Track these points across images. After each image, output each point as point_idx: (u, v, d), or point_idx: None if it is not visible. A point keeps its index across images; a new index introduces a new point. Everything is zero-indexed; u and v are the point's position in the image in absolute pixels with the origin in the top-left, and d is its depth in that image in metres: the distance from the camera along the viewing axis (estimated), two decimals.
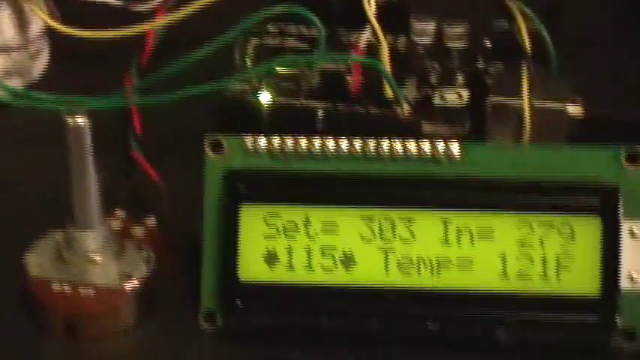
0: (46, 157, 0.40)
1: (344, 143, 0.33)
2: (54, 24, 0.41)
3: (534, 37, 0.41)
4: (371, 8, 0.40)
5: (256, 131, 0.36)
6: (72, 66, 0.44)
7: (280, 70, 0.40)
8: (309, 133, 0.35)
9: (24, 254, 0.35)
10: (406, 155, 0.33)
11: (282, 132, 0.34)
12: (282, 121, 0.39)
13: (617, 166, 0.33)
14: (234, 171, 0.33)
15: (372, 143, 0.33)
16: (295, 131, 0.36)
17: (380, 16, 0.40)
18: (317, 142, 0.33)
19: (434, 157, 0.33)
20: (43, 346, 0.34)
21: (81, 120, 0.32)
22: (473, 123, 0.39)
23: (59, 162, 0.35)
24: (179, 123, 0.41)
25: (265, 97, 0.40)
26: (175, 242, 0.36)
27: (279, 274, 0.33)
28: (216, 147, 0.34)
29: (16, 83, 0.42)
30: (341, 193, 0.33)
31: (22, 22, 0.42)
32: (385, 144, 0.33)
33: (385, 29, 0.40)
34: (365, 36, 0.40)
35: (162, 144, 0.40)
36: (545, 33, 0.40)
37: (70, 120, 0.32)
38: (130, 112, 0.40)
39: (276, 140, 0.33)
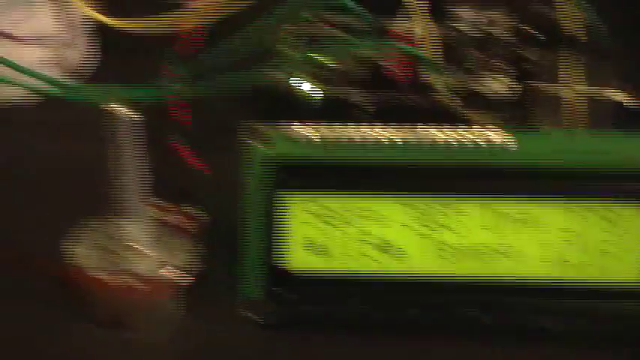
0: (83, 147, 0.40)
1: (388, 131, 0.33)
2: (95, 14, 0.42)
3: (582, 22, 0.41)
4: None
5: (296, 119, 0.35)
6: (111, 56, 0.44)
7: (319, 57, 0.40)
8: (350, 121, 0.35)
9: (66, 243, 0.35)
10: (451, 143, 0.33)
11: (321, 120, 0.34)
12: (322, 108, 0.40)
13: None
14: (277, 159, 0.33)
15: (416, 131, 0.33)
16: (335, 119, 0.35)
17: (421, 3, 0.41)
18: (361, 131, 0.33)
19: (480, 145, 0.33)
20: (84, 334, 0.35)
21: (125, 111, 0.33)
22: (516, 110, 0.40)
23: (96, 151, 0.36)
24: (217, 111, 0.40)
25: (307, 86, 0.40)
26: (215, 230, 0.37)
27: (323, 263, 0.33)
28: (257, 135, 0.33)
29: (54, 73, 0.42)
30: (386, 181, 0.33)
31: (62, 12, 0.42)
32: (430, 132, 0.33)
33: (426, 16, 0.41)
34: (407, 24, 0.41)
35: (200, 132, 0.40)
36: (594, 18, 0.40)
37: (114, 110, 0.32)
38: (169, 102, 0.41)
39: (319, 128, 0.33)
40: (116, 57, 0.45)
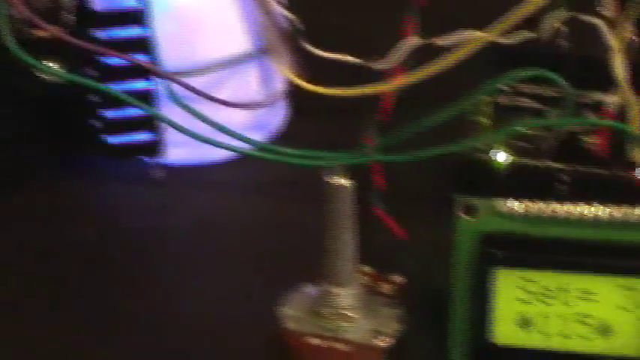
0: (287, 209, 0.42)
1: (601, 211, 0.33)
2: (299, 81, 0.42)
3: None
4: (622, 72, 0.40)
5: (495, 192, 0.35)
6: (311, 121, 0.45)
7: (518, 129, 0.41)
8: (549, 195, 0.35)
9: (278, 307, 0.35)
10: None
11: (520, 193, 0.34)
12: (521, 181, 0.40)
13: None
14: (489, 235, 0.33)
15: (624, 211, 0.32)
16: (534, 192, 0.35)
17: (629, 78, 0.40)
18: (570, 208, 0.33)
19: None
20: None
21: (343, 180, 0.32)
22: None
23: (297, 214, 0.36)
24: (416, 180, 0.41)
25: (503, 157, 0.40)
26: (422, 299, 0.36)
27: (534, 340, 0.33)
28: (469, 210, 0.33)
29: (256, 136, 0.43)
30: (598, 260, 0.32)
31: (267, 79, 0.44)
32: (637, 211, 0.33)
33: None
34: (614, 99, 0.40)
35: (401, 201, 0.40)
36: None
37: (331, 179, 0.32)
38: (370, 169, 0.40)
39: (529, 204, 0.33)
40: (315, 122, 0.45)
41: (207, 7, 0.42)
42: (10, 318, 0.37)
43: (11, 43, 0.38)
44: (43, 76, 0.40)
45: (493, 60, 0.43)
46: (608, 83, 0.41)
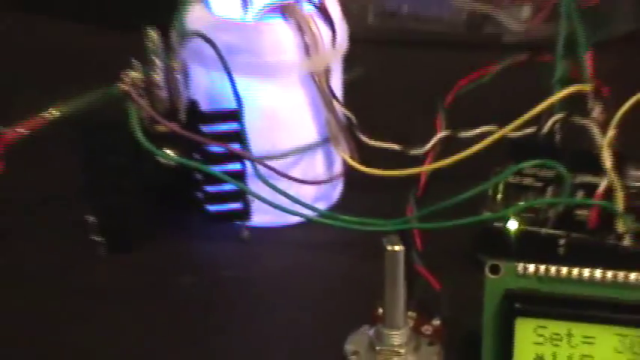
0: (345, 264, 0.41)
1: (596, 271, 0.32)
2: (354, 164, 0.43)
3: None
4: (606, 153, 0.40)
5: (507, 254, 0.35)
6: (364, 195, 0.44)
7: (526, 205, 0.40)
8: (551, 256, 0.36)
9: (344, 344, 0.35)
10: None
11: (528, 255, 0.34)
12: (534, 246, 0.39)
13: None
14: (511, 291, 0.33)
15: (619, 273, 0.32)
16: (538, 255, 0.35)
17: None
18: (572, 271, 0.32)
19: None
20: None
21: (397, 247, 0.32)
22: None
23: (353, 268, 0.37)
24: (449, 243, 0.40)
25: (514, 225, 0.39)
26: (456, 340, 0.35)
27: None
28: (494, 269, 0.33)
29: (321, 206, 0.44)
30: (599, 313, 0.32)
31: (330, 161, 0.44)
32: (631, 275, 0.32)
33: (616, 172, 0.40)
34: (604, 183, 0.39)
35: (437, 260, 0.39)
36: None
37: (389, 246, 0.32)
38: (410, 234, 0.40)
39: (539, 266, 0.33)
40: (367, 195, 0.44)
41: (285, 106, 0.42)
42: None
43: (140, 136, 0.39)
44: (162, 160, 0.39)
45: (508, 149, 0.42)
46: (598, 169, 0.40)
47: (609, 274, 0.33)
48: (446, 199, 0.40)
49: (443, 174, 0.43)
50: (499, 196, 0.41)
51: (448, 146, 0.43)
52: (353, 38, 0.43)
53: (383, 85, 0.47)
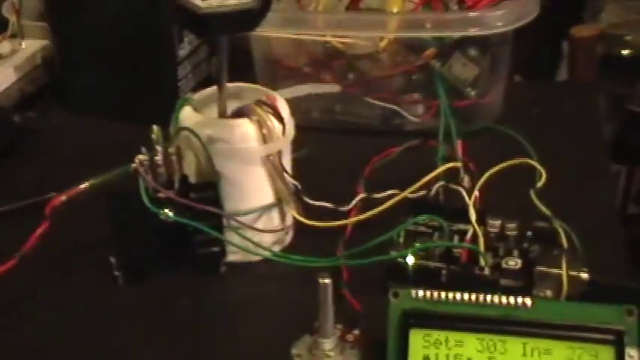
0: (290, 290, 0.40)
1: (464, 295, 0.33)
2: (300, 218, 0.42)
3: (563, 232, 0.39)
4: (472, 209, 0.40)
5: (407, 282, 0.36)
6: (309, 240, 0.43)
7: (419, 246, 0.39)
8: (443, 285, 0.36)
9: (291, 348, 0.35)
10: (500, 302, 0.33)
11: (428, 283, 0.34)
12: (424, 276, 0.38)
13: (622, 315, 0.32)
14: (407, 310, 0.33)
15: (480, 296, 0.33)
16: (428, 281, 0.36)
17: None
18: (449, 295, 0.33)
19: (517, 306, 0.32)
20: None
21: (327, 280, 0.33)
22: (526, 281, 0.37)
23: (295, 293, 0.36)
24: (366, 275, 0.39)
25: (411, 260, 0.39)
26: (370, 344, 0.35)
27: None
28: (395, 295, 0.33)
29: (276, 249, 0.43)
30: (466, 324, 0.33)
31: (283, 216, 0.43)
32: (488, 298, 0.33)
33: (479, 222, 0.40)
34: (471, 229, 0.40)
35: (359, 288, 0.38)
36: (573, 234, 0.38)
37: (320, 280, 0.33)
38: (340, 268, 0.39)
39: (426, 292, 0.33)
40: (307, 239, 0.43)
41: (250, 178, 0.41)
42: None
43: (146, 200, 0.39)
44: (162, 217, 0.39)
45: (408, 206, 0.42)
46: (468, 221, 0.40)
47: (473, 296, 0.33)
48: (365, 242, 0.39)
49: (363, 224, 0.42)
50: (401, 239, 0.40)
51: (366, 204, 0.43)
52: (301, 127, 0.43)
53: (321, 162, 0.47)
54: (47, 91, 0.56)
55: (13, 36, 0.55)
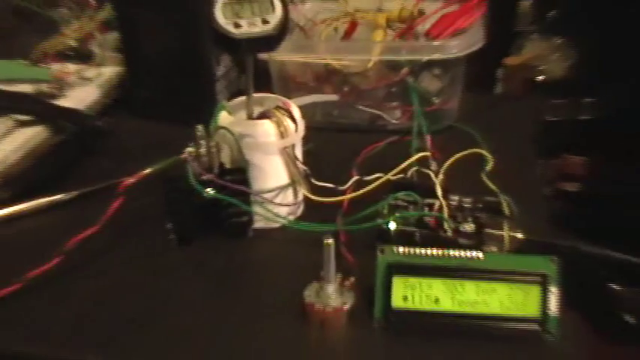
0: (305, 251, 0.37)
1: (433, 250, 0.33)
2: (309, 195, 0.41)
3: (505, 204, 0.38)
4: (438, 187, 0.39)
5: (390, 242, 0.34)
6: (315, 212, 0.41)
7: (400, 215, 0.38)
8: (417, 244, 0.35)
9: (303, 291, 0.34)
10: (459, 255, 0.33)
11: (405, 243, 0.34)
12: (403, 238, 0.37)
13: (547, 263, 0.32)
14: (390, 262, 0.34)
15: (444, 251, 0.33)
16: (406, 242, 0.35)
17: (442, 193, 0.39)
18: (421, 250, 0.33)
19: (471, 258, 0.33)
20: (307, 332, 0.34)
21: (330, 240, 0.33)
22: (478, 240, 0.37)
23: (310, 253, 0.34)
24: (360, 238, 0.37)
25: (393, 226, 0.38)
26: (362, 289, 0.34)
27: (409, 305, 0.33)
28: (381, 251, 0.34)
29: (290, 217, 0.42)
30: (434, 272, 0.33)
31: (296, 194, 0.41)
32: (450, 252, 0.33)
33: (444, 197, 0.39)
34: (437, 202, 0.38)
35: (354, 248, 0.37)
36: (512, 205, 0.38)
37: (325, 240, 0.33)
38: (339, 233, 0.38)
39: (404, 249, 0.34)
40: (314, 210, 0.41)
41: (270, 165, 0.40)
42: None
43: (193, 182, 0.38)
44: (205, 195, 0.38)
45: (391, 186, 0.40)
46: (435, 196, 0.39)
47: (439, 252, 0.33)
48: (358, 213, 0.39)
49: (356, 200, 0.41)
50: (385, 211, 0.39)
51: (358, 185, 0.42)
52: (308, 127, 0.42)
53: (324, 153, 0.45)
54: (120, 102, 0.56)
55: (97, 64, 0.55)
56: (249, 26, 0.35)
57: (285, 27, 0.36)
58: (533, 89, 0.56)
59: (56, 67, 0.53)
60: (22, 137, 0.46)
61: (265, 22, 0.35)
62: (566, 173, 0.41)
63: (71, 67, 0.54)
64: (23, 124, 0.46)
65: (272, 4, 0.35)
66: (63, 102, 0.50)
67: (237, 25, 0.35)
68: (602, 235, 0.35)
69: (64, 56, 0.55)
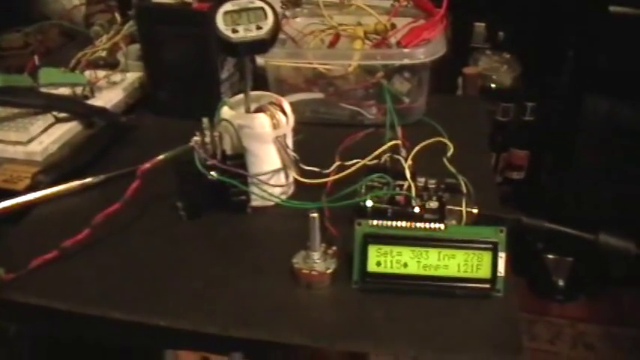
0: (295, 223, 0.36)
1: (402, 223, 0.32)
2: (298, 177, 0.39)
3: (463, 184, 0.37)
4: (407, 171, 0.37)
5: (366, 217, 0.33)
6: (303, 192, 0.39)
7: (377, 194, 0.36)
8: (389, 218, 0.34)
9: (292, 259, 0.33)
10: (424, 227, 0.32)
11: (379, 217, 0.33)
12: (377, 213, 0.36)
13: (497, 233, 0.32)
14: (366, 233, 0.32)
15: (412, 224, 0.32)
16: (380, 216, 0.34)
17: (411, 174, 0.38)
18: (393, 223, 0.32)
19: (434, 229, 0.32)
20: (296, 292, 0.33)
21: (315, 215, 0.32)
22: (440, 215, 0.36)
23: (300, 225, 0.33)
24: (341, 213, 0.36)
25: (369, 203, 0.36)
26: (343, 256, 0.33)
27: (382, 269, 0.32)
28: (359, 224, 0.33)
29: (282, 197, 0.39)
30: (403, 241, 0.32)
31: (287, 175, 0.39)
32: (417, 224, 0.32)
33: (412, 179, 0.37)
34: (407, 183, 0.37)
35: (337, 221, 0.35)
36: (470, 186, 0.37)
37: (311, 214, 0.32)
38: (323, 209, 0.36)
39: (378, 222, 0.32)
40: (303, 191, 0.39)
41: (265, 152, 0.38)
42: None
43: (199, 166, 0.37)
44: (210, 177, 0.36)
45: (362, 171, 0.39)
46: (405, 178, 0.37)
47: (408, 224, 0.32)
48: (340, 192, 0.37)
49: (338, 181, 0.39)
50: (363, 190, 0.38)
51: (340, 169, 0.40)
52: (298, 122, 0.40)
53: (311, 143, 0.43)
54: (141, 102, 0.55)
55: (122, 70, 0.55)
56: (245, 32, 0.35)
57: (275, 32, 0.35)
58: (486, 94, 0.56)
59: (89, 73, 0.53)
60: (59, 131, 0.46)
61: (259, 28, 0.35)
62: (512, 163, 0.41)
63: (101, 73, 0.54)
64: (61, 120, 0.47)
65: (265, 13, 0.36)
66: (94, 102, 0.51)
67: (235, 31, 0.35)
68: (540, 211, 0.35)
69: (95, 64, 0.55)
